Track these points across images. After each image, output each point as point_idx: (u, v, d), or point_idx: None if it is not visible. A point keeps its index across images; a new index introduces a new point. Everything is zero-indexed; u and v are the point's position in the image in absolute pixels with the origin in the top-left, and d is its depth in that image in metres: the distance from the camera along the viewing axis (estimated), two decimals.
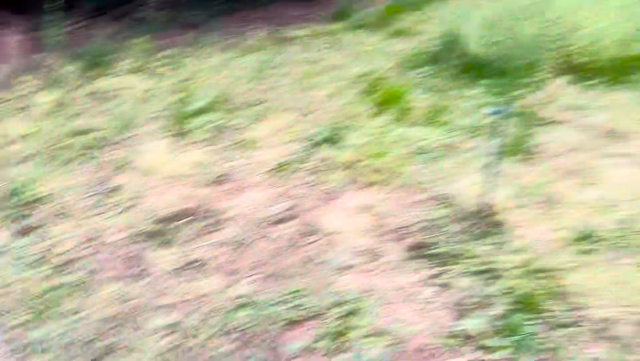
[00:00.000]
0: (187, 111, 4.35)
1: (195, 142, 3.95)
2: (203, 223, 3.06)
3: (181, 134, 4.05)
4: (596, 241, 2.84)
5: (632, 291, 2.46)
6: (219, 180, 3.49)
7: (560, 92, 4.60)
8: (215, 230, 3.01)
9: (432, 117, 4.21)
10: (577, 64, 4.86)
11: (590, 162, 3.61)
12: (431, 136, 3.96)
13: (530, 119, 4.14)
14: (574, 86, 4.79)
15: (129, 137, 4.03)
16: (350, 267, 2.71)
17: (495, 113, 2.74)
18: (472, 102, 4.50)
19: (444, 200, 3.25)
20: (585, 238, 2.85)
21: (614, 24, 4.83)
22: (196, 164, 3.65)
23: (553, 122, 4.20)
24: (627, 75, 4.93)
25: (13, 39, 5.77)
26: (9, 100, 4.61)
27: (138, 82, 5.02)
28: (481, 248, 2.80)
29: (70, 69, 5.18)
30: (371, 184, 3.42)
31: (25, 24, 6.04)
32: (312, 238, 2.94)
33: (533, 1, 5.72)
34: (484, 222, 2.99)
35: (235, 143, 3.94)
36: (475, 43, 4.98)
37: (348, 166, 3.60)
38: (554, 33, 4.80)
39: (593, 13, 4.91)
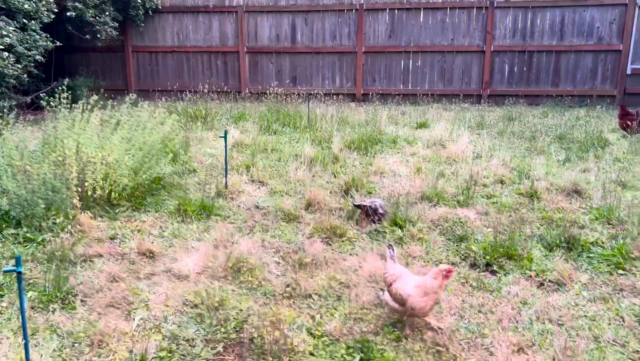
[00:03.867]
0: None
1: None
2: None
3: None
4: None
5: None
6: None
7: (89, 227, 4.67)
8: None
9: None
10: (98, 196, 5.06)
11: (130, 289, 3.75)
12: None
13: (64, 262, 4.03)
14: (101, 218, 4.97)
15: None
16: None
17: (10, 271, 2.53)
18: None
19: None
20: None
21: (120, 156, 5.28)
22: None
23: (88, 258, 4.20)
24: (143, 199, 5.45)
25: None
26: None
27: None
28: None
29: None
30: None
31: None
32: None
33: (46, 141, 5.74)
34: None
35: None
36: None
37: None
38: (69, 171, 4.88)
39: (101, 148, 5.25)
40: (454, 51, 12.68)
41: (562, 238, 4.53)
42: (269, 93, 12.25)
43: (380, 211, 5.02)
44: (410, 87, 13.00)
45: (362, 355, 3.07)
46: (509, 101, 12.39)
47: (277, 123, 9.35)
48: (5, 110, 7.98)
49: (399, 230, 4.81)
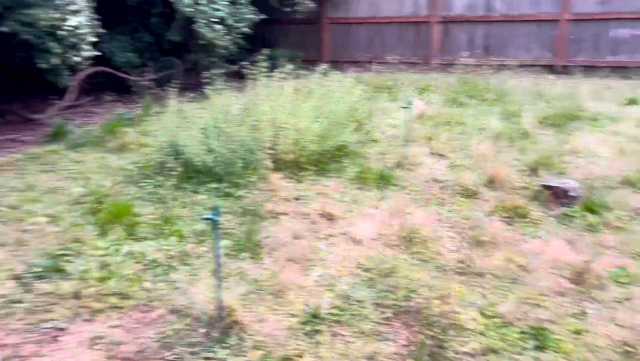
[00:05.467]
0: None
1: None
2: None
3: None
4: (320, 320, 3.12)
5: None
6: None
7: (278, 187, 5.07)
8: None
9: (161, 229, 4.20)
10: (287, 160, 5.45)
11: (311, 247, 4.01)
12: (162, 248, 3.94)
13: (255, 216, 4.44)
14: (289, 179, 5.35)
15: None
16: None
17: (208, 219, 2.88)
18: (198, 208, 4.65)
19: (180, 312, 3.23)
20: (310, 320, 3.11)
21: (310, 123, 5.59)
22: None
23: (275, 215, 4.57)
24: (327, 165, 5.72)
25: None
26: None
27: None
28: (222, 352, 2.84)
29: None
30: (101, 311, 3.21)
31: None
32: None
33: (246, 107, 6.34)
34: (222, 325, 3.04)
35: None
36: (195, 151, 5.21)
37: (74, 295, 3.32)
38: (263, 135, 5.33)
39: (292, 115, 5.62)
40: None
41: None
42: (458, 64, 11.83)
43: (572, 193, 4.62)
44: (622, 59, 11.53)
45: (537, 342, 2.91)
46: None
47: (463, 95, 9.03)
48: (215, 77, 8.94)
49: (591, 216, 4.38)
